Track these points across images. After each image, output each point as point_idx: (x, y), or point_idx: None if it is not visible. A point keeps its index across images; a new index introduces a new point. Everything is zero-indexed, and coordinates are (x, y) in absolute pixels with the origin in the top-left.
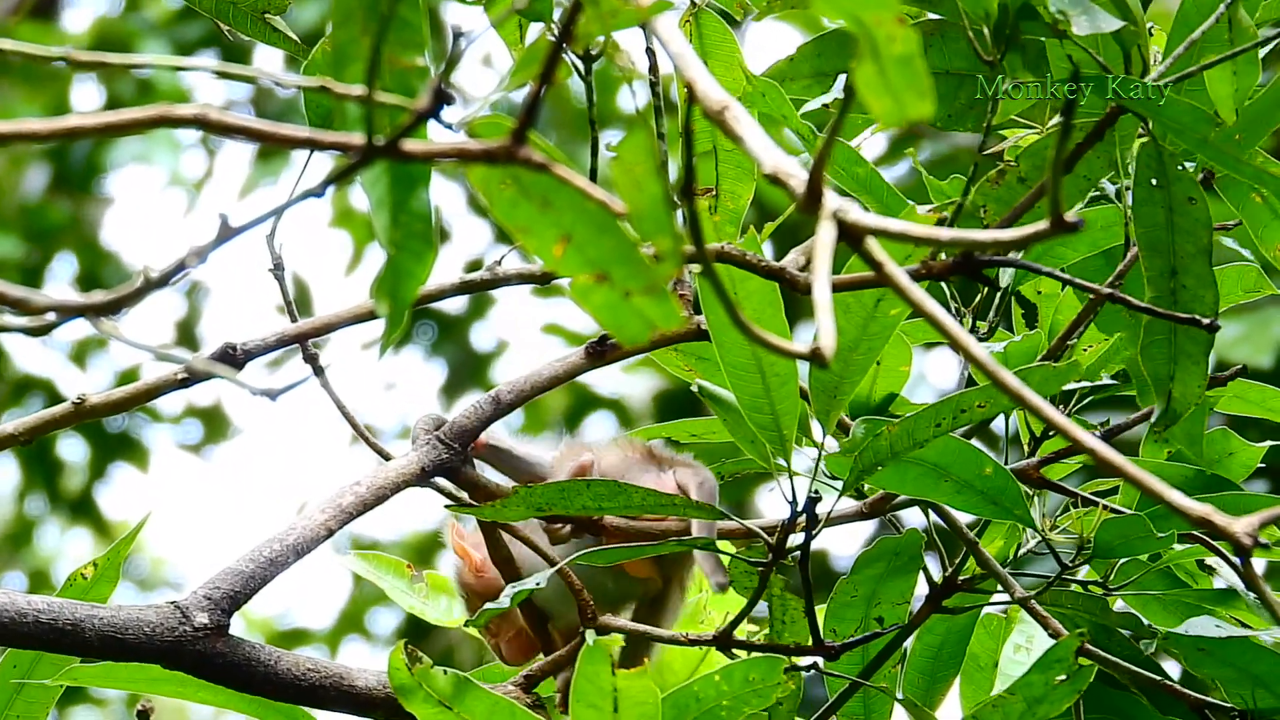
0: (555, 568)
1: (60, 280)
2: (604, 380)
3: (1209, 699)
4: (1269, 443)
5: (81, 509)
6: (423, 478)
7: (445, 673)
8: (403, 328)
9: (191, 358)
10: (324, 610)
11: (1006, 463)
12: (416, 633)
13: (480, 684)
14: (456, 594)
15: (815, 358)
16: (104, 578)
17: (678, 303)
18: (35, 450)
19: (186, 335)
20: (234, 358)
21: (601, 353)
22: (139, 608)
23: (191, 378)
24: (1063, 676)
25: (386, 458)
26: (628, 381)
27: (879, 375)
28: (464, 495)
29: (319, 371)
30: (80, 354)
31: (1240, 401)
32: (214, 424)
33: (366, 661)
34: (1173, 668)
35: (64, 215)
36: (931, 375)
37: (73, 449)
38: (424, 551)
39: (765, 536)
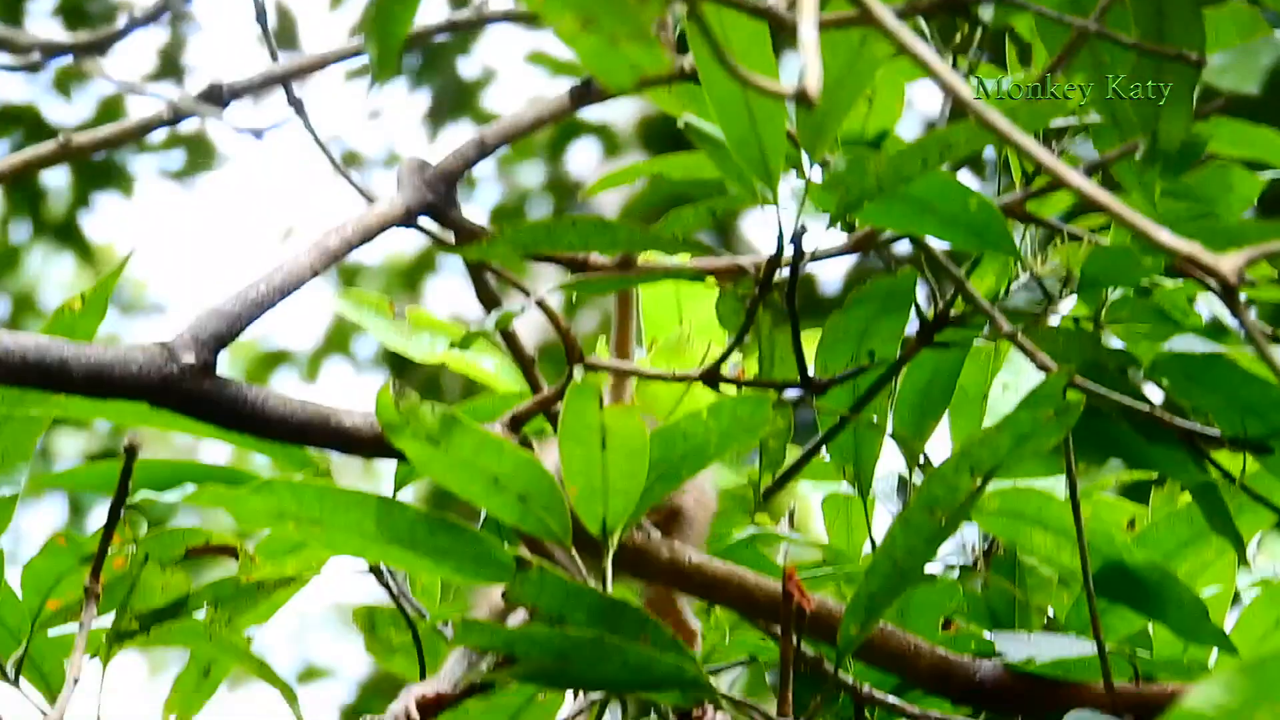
0: (534, 298)
1: (42, 14)
2: (589, 107)
3: (1198, 428)
4: (1270, 172)
5: (65, 234)
6: (407, 218)
7: (433, 409)
8: (392, 69)
9: (178, 96)
10: (307, 333)
11: (997, 194)
12: (401, 360)
13: (468, 421)
14: None
15: (801, 98)
16: (92, 310)
17: (664, 47)
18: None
19: (171, 65)
20: (220, 96)
21: (585, 95)
22: (126, 348)
23: (178, 115)
24: (1051, 412)
25: (371, 199)
26: (613, 106)
27: (871, 113)
28: (448, 237)
29: (302, 112)
30: (64, 83)
31: (1230, 141)
32: (199, 152)
33: (349, 385)
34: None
35: None
36: (919, 103)
37: (56, 176)
38: (409, 272)
39: (752, 270)
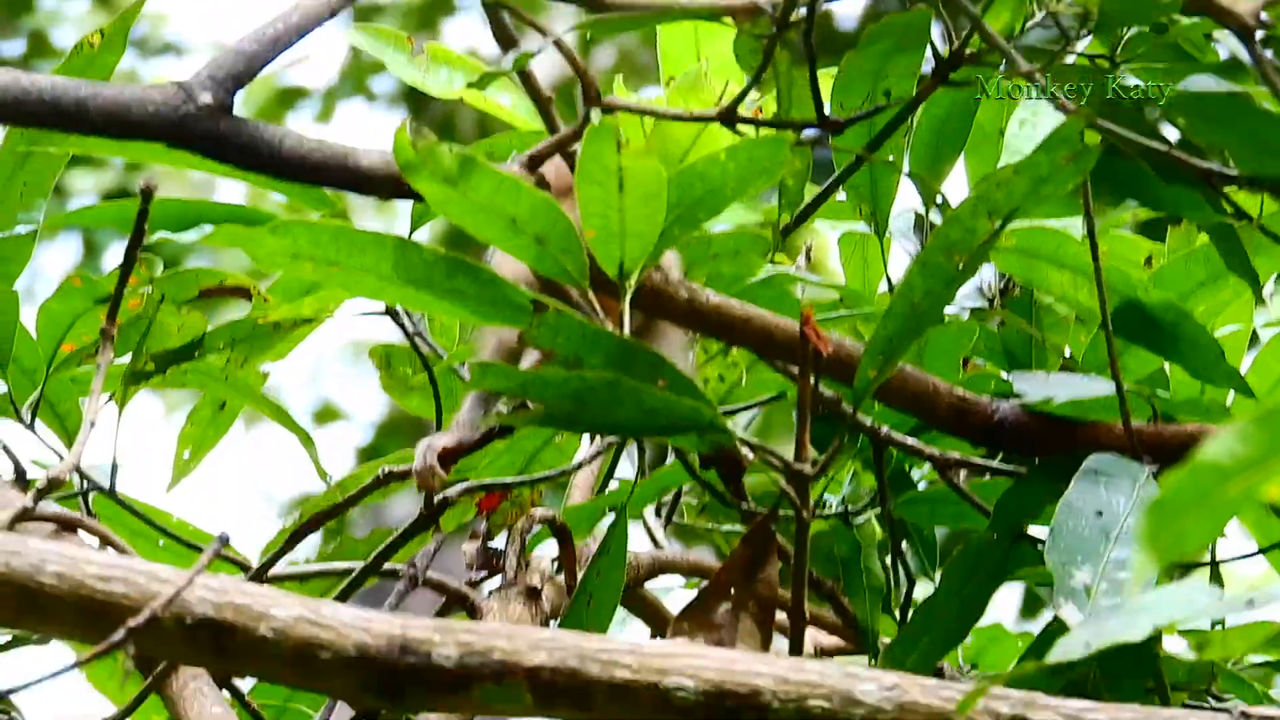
0: (551, 39)
1: None
2: None
3: (1215, 167)
4: None
5: None
6: None
7: (450, 149)
8: None
9: None
10: (322, 72)
11: None
12: (417, 100)
13: (486, 162)
14: None
15: None
16: (110, 46)
17: None
18: None
19: None
20: None
21: None
22: (143, 88)
23: None
24: (1068, 154)
25: None
26: None
27: None
28: None
29: None
30: None
31: None
32: None
33: (364, 124)
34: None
35: None
36: None
37: None
38: (426, 11)
39: (769, 9)
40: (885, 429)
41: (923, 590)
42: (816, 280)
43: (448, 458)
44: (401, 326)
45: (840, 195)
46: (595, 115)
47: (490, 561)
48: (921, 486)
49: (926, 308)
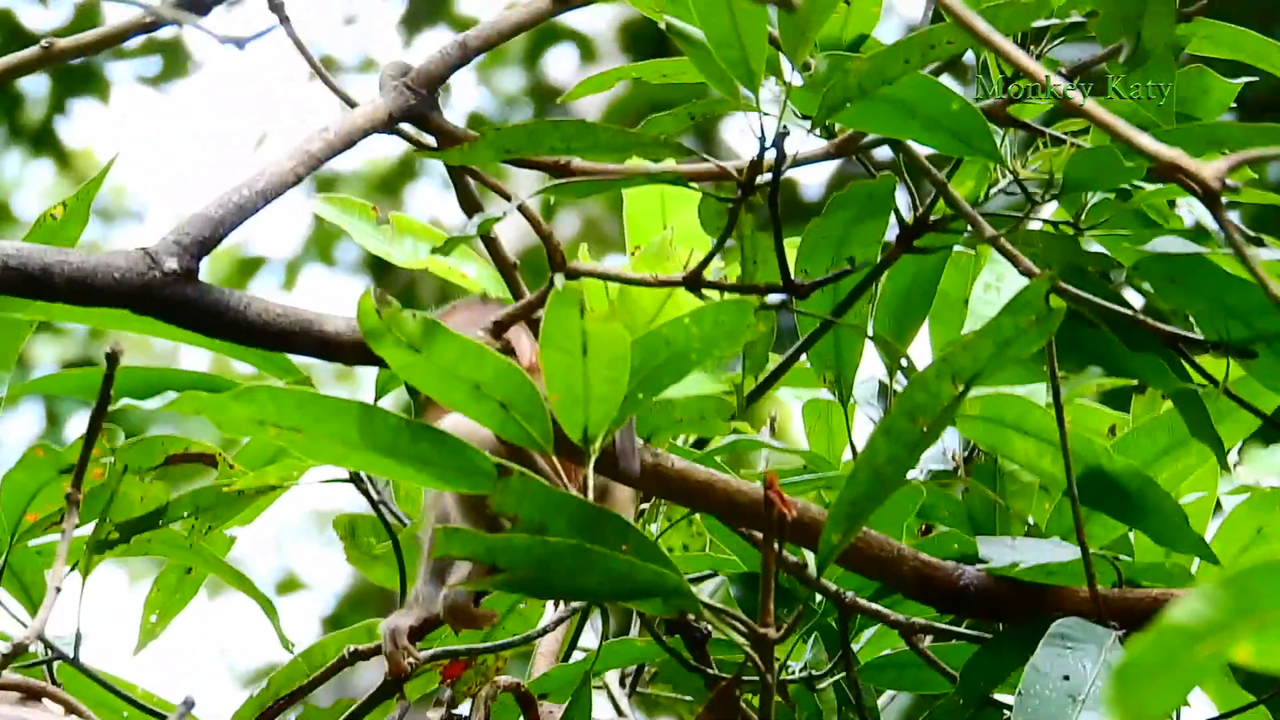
0: (516, 203)
1: None
2: (569, 13)
3: (1182, 332)
4: (1244, 78)
5: (42, 140)
6: (390, 123)
7: (414, 316)
8: None
9: (159, 2)
10: (286, 239)
11: (976, 99)
12: (381, 267)
13: (449, 329)
14: None
15: (782, 1)
16: (74, 217)
17: None
18: None
19: None
20: (200, 2)
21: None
22: (108, 254)
23: (158, 22)
24: (1033, 318)
25: (351, 104)
26: (593, 11)
27: (850, 16)
28: (430, 141)
29: (285, 19)
30: None
31: (1210, 43)
32: (175, 59)
33: (328, 292)
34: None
35: None
36: (901, 6)
37: (33, 82)
38: (388, 182)
39: (734, 175)
40: (850, 594)
41: None
42: (780, 446)
43: (414, 637)
44: (366, 494)
45: (805, 362)
46: (559, 281)
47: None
48: (878, 651)
49: (890, 473)
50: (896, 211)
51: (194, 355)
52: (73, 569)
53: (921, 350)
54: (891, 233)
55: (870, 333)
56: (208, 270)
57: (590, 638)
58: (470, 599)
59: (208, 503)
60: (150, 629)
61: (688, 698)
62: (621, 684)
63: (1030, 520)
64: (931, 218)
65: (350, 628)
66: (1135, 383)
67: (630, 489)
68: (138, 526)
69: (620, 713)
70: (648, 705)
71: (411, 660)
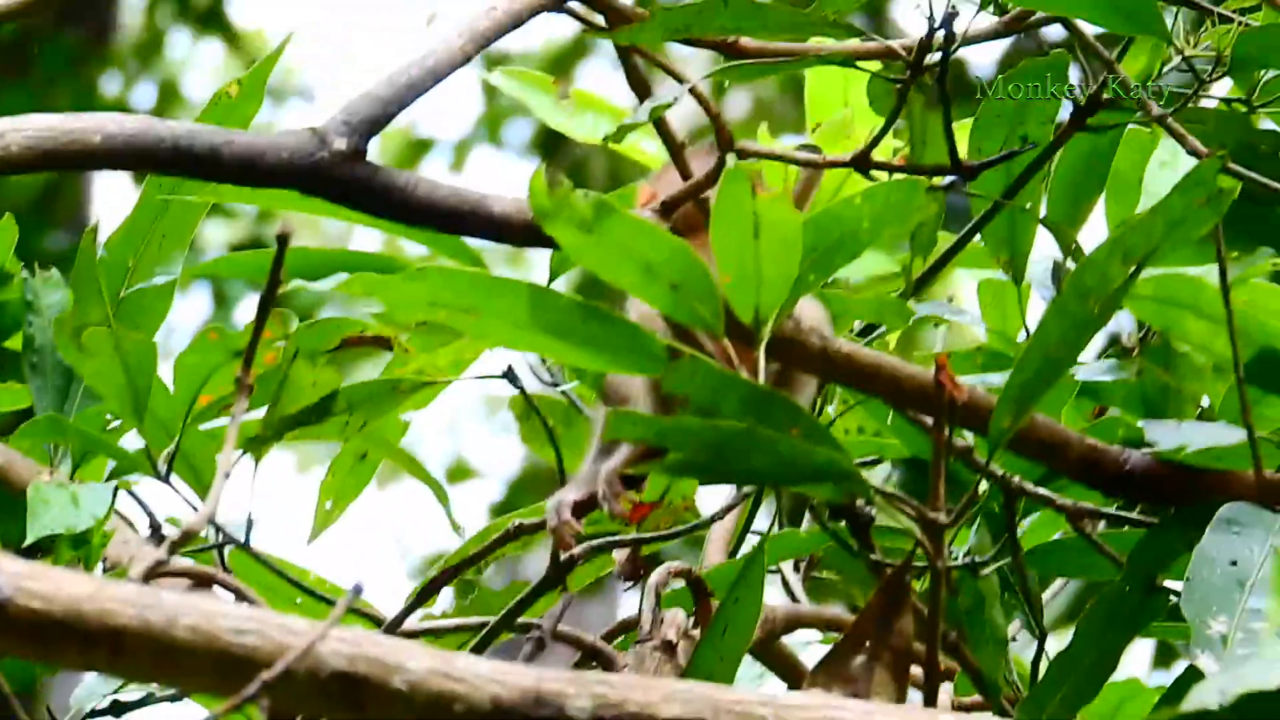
0: (687, 86)
1: None
2: None
3: None
4: None
5: (211, 20)
6: (558, 1)
7: (586, 195)
8: None
9: None
10: (455, 120)
11: None
12: (549, 148)
13: (621, 208)
14: None
15: None
16: (249, 96)
17: None
18: None
19: None
20: None
21: None
22: (277, 134)
23: None
24: (1204, 198)
25: None
26: None
27: None
28: (598, 19)
29: None
30: None
31: None
32: None
33: (496, 171)
34: None
35: None
36: None
37: None
38: (560, 59)
39: (903, 54)
40: (1017, 478)
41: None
42: (951, 314)
43: (579, 512)
44: (520, 389)
45: (979, 242)
46: (730, 160)
47: (638, 570)
48: (1044, 538)
49: (1061, 354)
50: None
51: (366, 236)
52: (243, 454)
53: (1097, 228)
54: (1065, 111)
55: (1043, 215)
56: (377, 150)
57: (764, 524)
58: (570, 519)
59: (381, 392)
60: (326, 515)
61: (857, 583)
62: (795, 569)
63: (1205, 401)
64: (1105, 96)
65: (520, 509)
66: None
67: (813, 380)
68: (309, 414)
69: (794, 599)
70: (821, 591)
71: (575, 533)
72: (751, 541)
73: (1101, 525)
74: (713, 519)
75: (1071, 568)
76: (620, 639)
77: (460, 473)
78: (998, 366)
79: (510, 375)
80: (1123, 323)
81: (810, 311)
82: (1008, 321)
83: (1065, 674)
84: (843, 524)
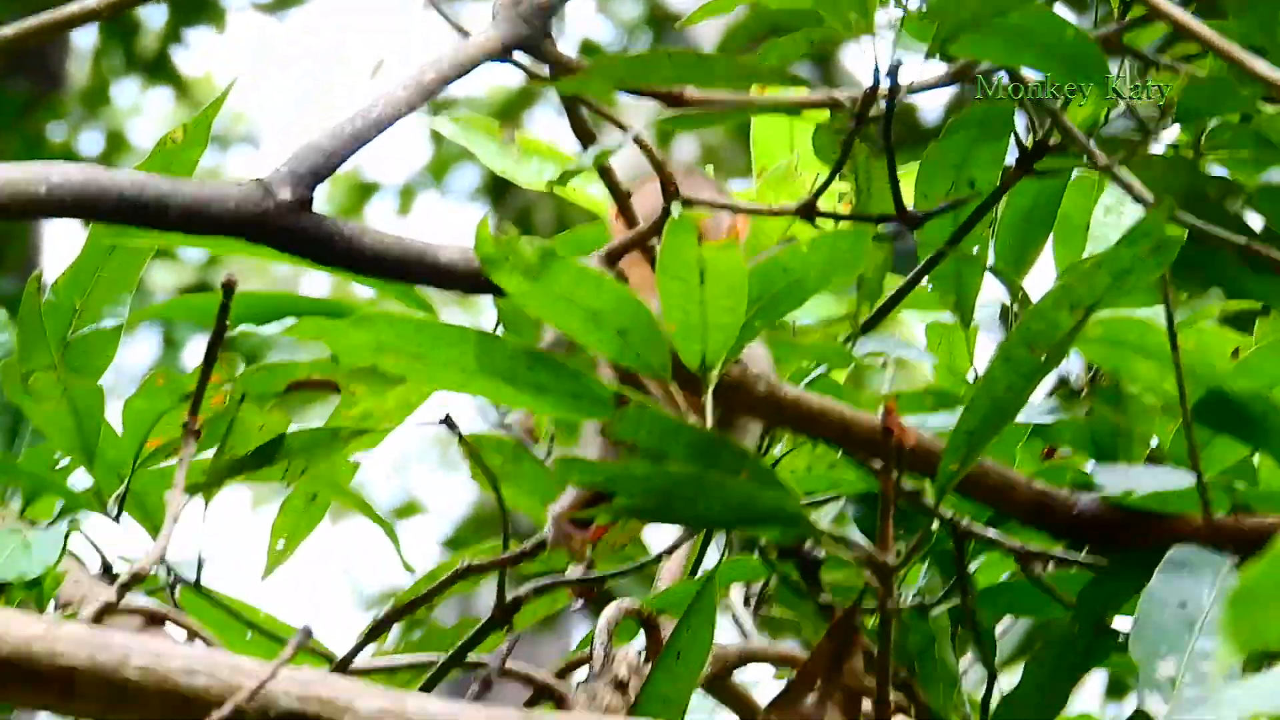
0: (631, 133)
1: None
2: None
3: None
4: None
5: (158, 68)
6: (504, 52)
7: (531, 243)
8: None
9: None
10: (400, 167)
11: (1093, 26)
12: (495, 194)
13: (566, 255)
14: None
15: None
16: (193, 141)
17: None
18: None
19: None
20: None
21: None
22: (223, 184)
23: None
24: (1150, 247)
25: (465, 34)
26: None
27: None
28: (543, 71)
29: None
30: None
31: None
32: None
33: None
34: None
35: None
36: None
37: (150, 11)
38: (507, 109)
39: (847, 105)
40: (965, 520)
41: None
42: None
43: (579, 519)
44: (461, 438)
45: (927, 285)
46: (675, 209)
47: (591, 593)
48: (993, 578)
49: (1008, 401)
50: (1015, 135)
51: (315, 281)
52: (191, 497)
53: (1046, 272)
54: (1012, 156)
55: (991, 258)
56: (324, 194)
57: (714, 560)
58: (567, 525)
59: (325, 439)
60: (277, 555)
61: (808, 618)
62: (746, 604)
63: (1155, 441)
64: (1050, 141)
65: (470, 546)
66: (1261, 305)
67: (757, 422)
68: (257, 458)
69: (745, 635)
70: (773, 627)
71: (585, 541)
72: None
73: (1050, 565)
74: (661, 556)
75: (1021, 608)
76: (572, 674)
77: (410, 509)
78: (947, 406)
79: (449, 422)
80: (1072, 364)
81: (756, 356)
82: (955, 362)
83: (1014, 713)
84: (791, 564)
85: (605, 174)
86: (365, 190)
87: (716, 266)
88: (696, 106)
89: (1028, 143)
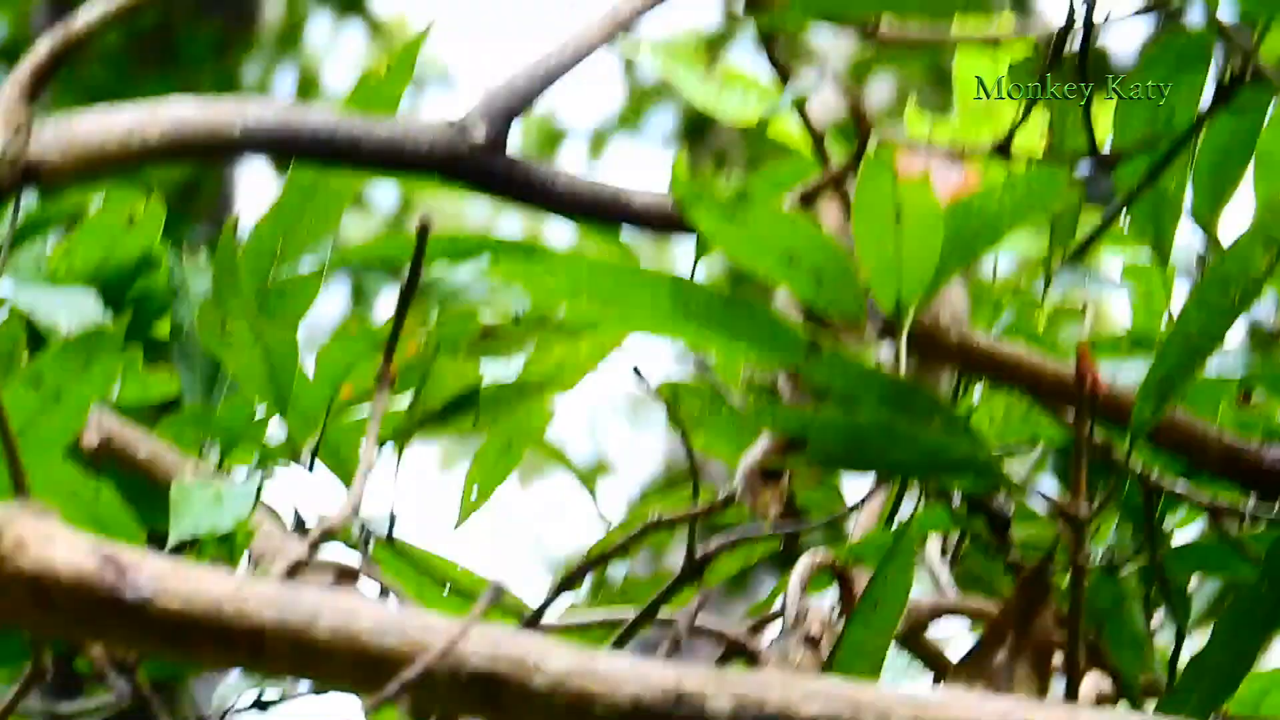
0: (827, 72)
1: None
2: None
3: None
4: None
5: (352, 6)
6: None
7: (727, 182)
8: None
9: None
10: (596, 107)
11: None
12: (690, 136)
13: (762, 195)
14: None
15: None
16: (396, 77)
17: None
18: None
19: None
20: None
21: None
22: (416, 125)
23: None
24: None
25: None
26: None
27: None
28: (739, 3)
29: None
30: None
31: None
32: None
33: (634, 163)
34: None
35: None
36: None
37: None
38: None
39: (1043, 38)
40: (1155, 473)
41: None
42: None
43: (770, 472)
44: (644, 385)
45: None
46: (871, 146)
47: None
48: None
49: (1202, 345)
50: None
51: (508, 226)
52: (384, 445)
53: (1245, 211)
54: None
55: (1189, 197)
56: (515, 139)
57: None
58: (757, 477)
59: (517, 390)
60: (470, 505)
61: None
62: (942, 556)
63: None
64: (1248, 75)
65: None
66: None
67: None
68: (451, 408)
69: (939, 587)
70: (968, 580)
71: (779, 496)
72: None
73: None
74: (854, 507)
75: (1212, 565)
76: (763, 630)
77: (600, 470)
78: (1144, 348)
79: (637, 373)
80: (1264, 308)
81: (951, 302)
82: (1153, 304)
83: (1200, 676)
84: (980, 519)
85: (802, 113)
86: (555, 137)
87: (912, 206)
88: (892, 41)
89: (1224, 77)
